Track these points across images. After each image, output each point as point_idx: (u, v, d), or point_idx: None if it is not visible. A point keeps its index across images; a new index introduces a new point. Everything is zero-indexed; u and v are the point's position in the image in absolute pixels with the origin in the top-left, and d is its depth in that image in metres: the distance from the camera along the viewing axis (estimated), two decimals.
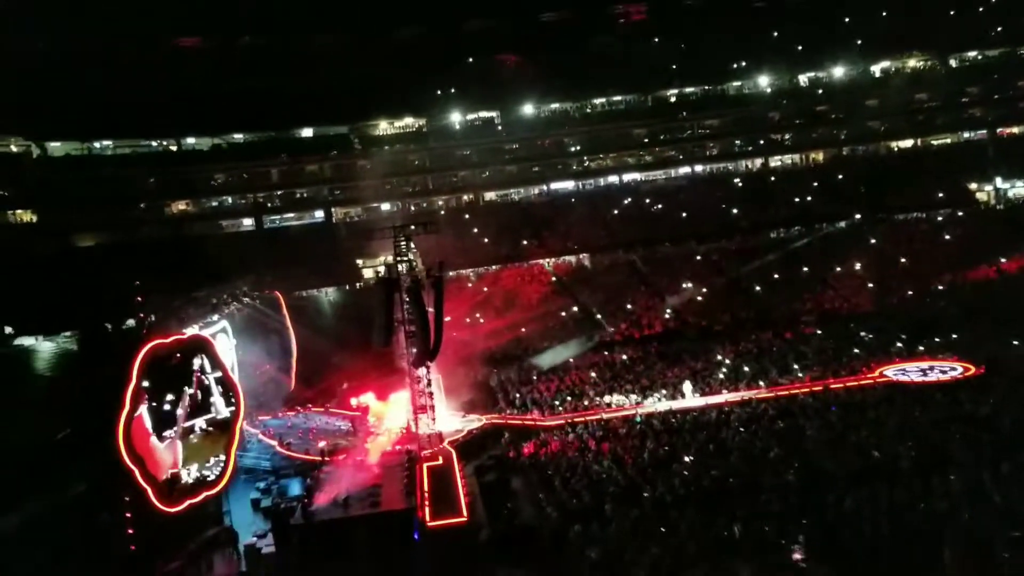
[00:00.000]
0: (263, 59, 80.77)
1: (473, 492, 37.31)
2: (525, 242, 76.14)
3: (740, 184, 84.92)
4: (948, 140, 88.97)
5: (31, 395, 40.18)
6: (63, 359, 44.28)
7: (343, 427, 48.45)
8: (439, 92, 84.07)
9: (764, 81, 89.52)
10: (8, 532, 29.21)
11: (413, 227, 45.38)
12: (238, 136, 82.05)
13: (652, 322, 64.33)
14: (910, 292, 64.54)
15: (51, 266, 58.82)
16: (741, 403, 45.22)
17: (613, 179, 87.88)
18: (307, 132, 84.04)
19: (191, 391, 34.66)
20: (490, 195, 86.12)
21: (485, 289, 69.48)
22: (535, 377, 54.39)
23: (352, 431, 47.14)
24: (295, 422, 50.25)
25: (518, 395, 50.74)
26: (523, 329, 62.23)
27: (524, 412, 48.15)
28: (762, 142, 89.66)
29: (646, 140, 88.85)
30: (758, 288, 67.20)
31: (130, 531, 31.18)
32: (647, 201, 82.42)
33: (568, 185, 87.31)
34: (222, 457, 35.94)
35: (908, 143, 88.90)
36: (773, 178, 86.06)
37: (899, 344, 52.76)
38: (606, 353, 58.70)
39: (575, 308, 66.56)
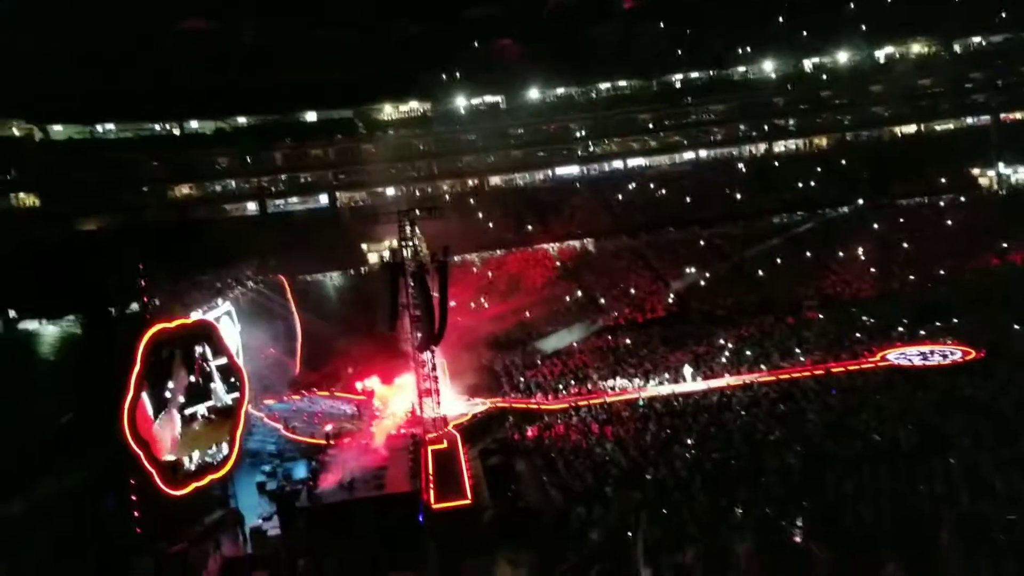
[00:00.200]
0: (267, 42, 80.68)
1: (477, 475, 37.52)
2: (530, 227, 76.25)
3: (744, 169, 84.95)
4: (951, 126, 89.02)
5: (35, 379, 40.23)
6: (67, 343, 44.23)
7: (348, 411, 48.49)
8: (444, 77, 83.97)
9: (769, 66, 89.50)
10: (14, 516, 29.43)
11: (418, 212, 45.31)
12: (242, 120, 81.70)
13: (655, 306, 64.55)
14: (912, 277, 64.64)
15: (54, 250, 58.59)
16: (743, 387, 45.58)
17: (617, 164, 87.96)
18: (311, 116, 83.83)
19: (192, 378, 34.80)
20: (495, 180, 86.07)
21: (490, 274, 69.79)
22: (539, 361, 54.63)
23: (357, 415, 47.22)
24: (300, 406, 50.29)
25: (522, 379, 50.95)
26: (527, 313, 62.43)
27: (528, 396, 48.38)
28: (766, 127, 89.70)
29: (651, 125, 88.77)
30: (761, 273, 67.33)
31: (136, 514, 31.37)
32: (651, 186, 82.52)
33: (573, 170, 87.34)
34: (227, 442, 36.06)
35: (911, 129, 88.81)
36: (777, 163, 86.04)
37: (900, 329, 52.85)
38: (609, 337, 58.93)
39: (579, 293, 66.74)
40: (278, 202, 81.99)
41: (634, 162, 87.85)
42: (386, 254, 59.56)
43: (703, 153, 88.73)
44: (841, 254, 69.00)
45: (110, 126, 77.44)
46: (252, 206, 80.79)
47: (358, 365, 52.38)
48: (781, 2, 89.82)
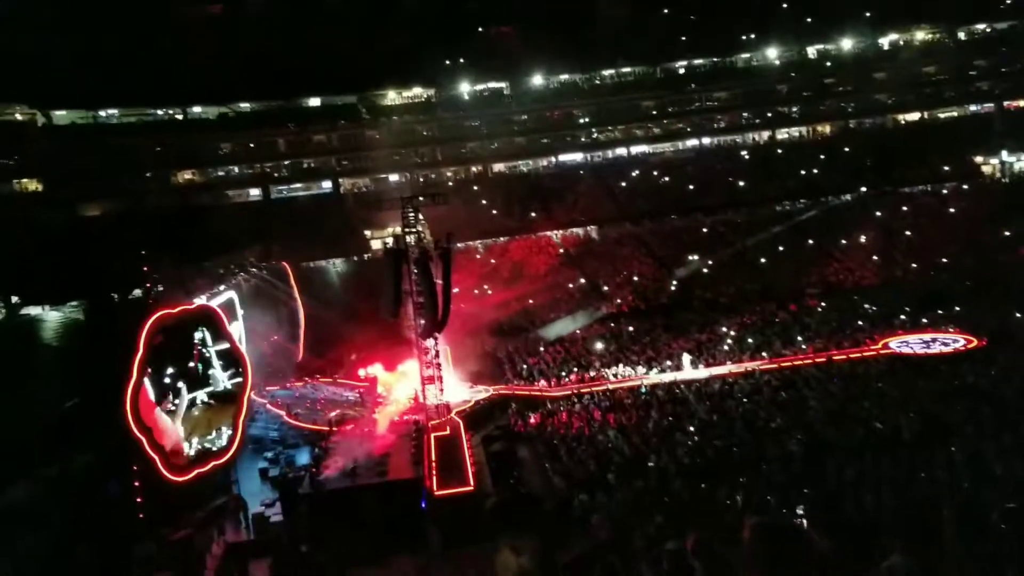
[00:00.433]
0: (271, 27, 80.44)
1: (480, 461, 37.56)
2: (533, 214, 76.00)
3: (747, 157, 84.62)
4: (955, 113, 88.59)
5: (38, 365, 40.25)
6: (70, 329, 44.22)
7: (351, 397, 48.61)
8: (448, 62, 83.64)
9: (772, 53, 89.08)
10: (17, 503, 29.49)
11: (421, 198, 45.47)
12: (245, 105, 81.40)
13: (658, 294, 64.59)
14: (914, 265, 64.58)
15: (57, 236, 58.62)
16: (745, 374, 45.61)
17: (621, 151, 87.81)
18: (315, 101, 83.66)
19: (191, 364, 34.83)
20: (499, 166, 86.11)
21: (493, 261, 69.70)
22: (542, 348, 54.70)
23: (360, 401, 47.31)
24: (303, 392, 50.43)
25: (525, 366, 51.04)
26: (531, 300, 62.40)
27: (531, 383, 48.48)
28: (770, 115, 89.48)
29: (654, 112, 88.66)
30: (763, 260, 67.11)
31: (139, 500, 31.47)
32: (654, 173, 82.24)
33: (576, 157, 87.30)
34: (228, 428, 36.17)
35: (915, 116, 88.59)
36: (780, 151, 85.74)
37: (903, 316, 52.82)
38: (612, 325, 59.00)
39: (582, 280, 66.68)
40: (281, 188, 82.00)
41: (637, 149, 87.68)
42: (389, 240, 59.33)
43: (706, 140, 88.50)
44: (844, 242, 68.82)
45: (113, 111, 77.20)
46: (255, 192, 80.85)
47: (361, 352, 52.44)
48: None
